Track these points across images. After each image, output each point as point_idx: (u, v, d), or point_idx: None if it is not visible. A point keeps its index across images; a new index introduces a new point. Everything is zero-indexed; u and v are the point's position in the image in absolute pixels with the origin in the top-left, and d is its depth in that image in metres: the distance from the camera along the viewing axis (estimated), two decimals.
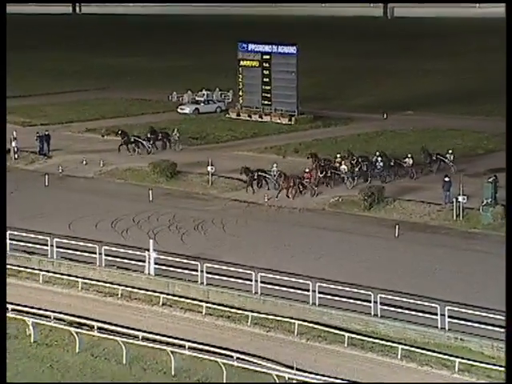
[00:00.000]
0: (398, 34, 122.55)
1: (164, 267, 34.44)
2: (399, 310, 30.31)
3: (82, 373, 27.97)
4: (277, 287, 32.29)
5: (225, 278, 33.14)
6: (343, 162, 46.13)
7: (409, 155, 47.08)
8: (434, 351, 28.23)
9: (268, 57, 62.64)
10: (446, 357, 27.91)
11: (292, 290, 31.92)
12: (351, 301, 31.05)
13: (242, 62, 63.92)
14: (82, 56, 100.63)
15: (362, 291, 31.20)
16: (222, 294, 32.76)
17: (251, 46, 63.62)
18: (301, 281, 32.18)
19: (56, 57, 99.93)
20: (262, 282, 32.37)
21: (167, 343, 28.64)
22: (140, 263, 34.81)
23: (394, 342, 28.88)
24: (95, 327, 29.88)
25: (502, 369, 26.27)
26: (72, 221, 41.13)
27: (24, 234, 37.38)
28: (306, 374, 26.85)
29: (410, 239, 38.91)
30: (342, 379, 26.77)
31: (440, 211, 41.81)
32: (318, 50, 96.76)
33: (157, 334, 29.29)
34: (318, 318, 30.77)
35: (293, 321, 30.41)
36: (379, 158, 46.50)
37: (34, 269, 35.49)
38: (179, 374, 27.80)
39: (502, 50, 45.55)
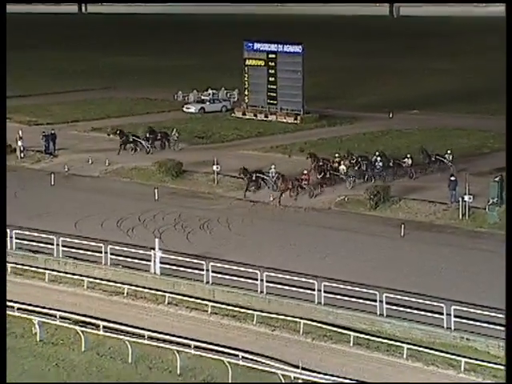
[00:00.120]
0: (403, 33, 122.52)
1: (169, 266, 34.45)
2: (405, 310, 30.27)
3: (87, 372, 28.00)
4: (282, 286, 32.27)
5: (230, 277, 33.14)
6: (342, 163, 46.09)
7: (408, 155, 47.11)
8: (439, 351, 28.19)
9: (274, 56, 62.62)
10: (452, 356, 27.87)
11: (297, 290, 31.90)
12: (357, 300, 31.03)
13: (247, 61, 63.91)
14: (87, 55, 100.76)
15: (367, 290, 31.17)
16: (227, 293, 32.76)
17: (257, 45, 63.61)
18: (306, 280, 32.17)
19: (61, 56, 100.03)
20: (267, 281, 32.36)
21: (173, 342, 28.64)
22: (145, 262, 34.83)
23: (399, 342, 28.85)
24: (101, 326, 29.90)
25: None
26: (78, 220, 41.17)
27: (30, 233, 37.43)
28: (311, 374, 26.83)
29: (416, 238, 38.87)
30: (347, 379, 26.74)
31: (446, 210, 41.77)
32: (324, 49, 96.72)
33: (162, 333, 29.29)
34: (324, 318, 30.75)
35: (298, 320, 30.39)
36: (378, 158, 46.47)
37: (39, 268, 35.52)
38: (185, 373, 27.80)
39: None
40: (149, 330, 29.42)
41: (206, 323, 31.12)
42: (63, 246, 36.14)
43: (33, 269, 35.47)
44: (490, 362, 27.44)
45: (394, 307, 30.44)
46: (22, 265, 35.75)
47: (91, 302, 32.78)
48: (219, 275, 33.34)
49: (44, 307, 31.44)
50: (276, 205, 43.89)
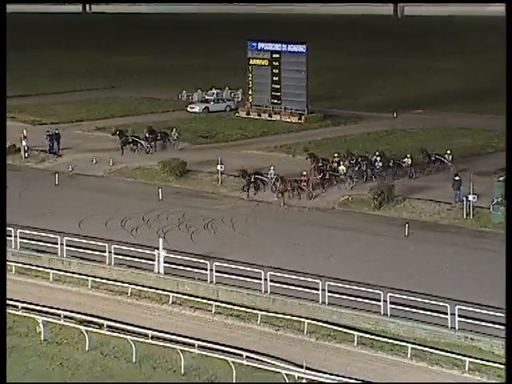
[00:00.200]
0: (407, 32, 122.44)
1: (173, 266, 34.44)
2: (409, 309, 30.24)
3: (91, 371, 28.01)
4: (286, 286, 32.25)
5: (234, 277, 33.12)
6: (341, 163, 46.05)
7: (408, 155, 47.08)
8: (444, 350, 28.16)
9: (278, 55, 62.63)
10: (456, 356, 27.83)
11: (301, 289, 31.88)
12: (361, 300, 31.01)
13: (251, 61, 63.93)
14: (91, 55, 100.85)
15: (371, 290, 31.14)
16: (231, 292, 32.75)
17: (261, 45, 63.62)
18: (310, 279, 32.15)
19: (65, 56, 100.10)
20: (271, 281, 32.35)
21: (177, 342, 28.64)
22: (150, 262, 34.83)
23: (403, 341, 28.81)
24: (105, 325, 29.91)
25: None
26: (82, 219, 41.19)
27: (34, 233, 37.45)
28: (315, 373, 26.82)
29: (420, 238, 38.83)
30: (351, 378, 26.71)
31: (450, 210, 41.73)
32: (328, 48, 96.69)
33: (166, 333, 29.29)
34: (328, 317, 30.73)
35: (302, 319, 30.38)
36: (378, 158, 46.42)
37: (44, 267, 35.54)
38: (189, 372, 27.80)
39: None
40: (153, 330, 29.42)
41: (210, 323, 31.12)
42: (67, 245, 36.16)
43: (37, 268, 35.50)
44: (494, 362, 27.39)
45: (399, 307, 30.41)
46: (27, 264, 35.76)
47: (95, 302, 32.79)
48: (223, 275, 33.33)
49: (48, 306, 31.44)
50: (280, 204, 43.87)
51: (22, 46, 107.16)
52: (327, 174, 45.24)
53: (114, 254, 35.23)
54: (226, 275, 33.31)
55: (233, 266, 33.75)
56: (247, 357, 27.62)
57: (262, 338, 29.95)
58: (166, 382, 27.58)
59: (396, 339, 29.07)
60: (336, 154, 47.43)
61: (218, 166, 46.98)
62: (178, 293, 32.93)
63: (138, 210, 42.63)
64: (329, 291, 31.32)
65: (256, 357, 27.64)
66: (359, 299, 31.03)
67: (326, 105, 65.73)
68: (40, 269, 35.41)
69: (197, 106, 66.78)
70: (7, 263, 35.69)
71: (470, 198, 40.51)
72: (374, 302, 30.66)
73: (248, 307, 31.59)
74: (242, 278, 32.99)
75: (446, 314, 29.51)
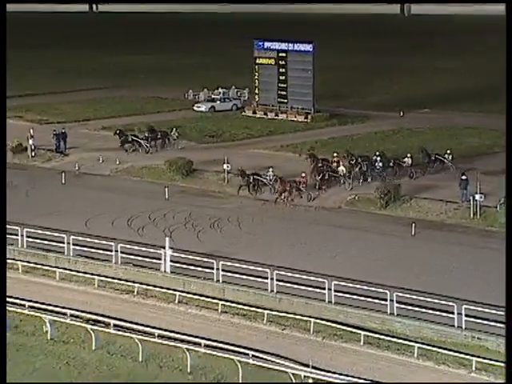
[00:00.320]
0: (414, 31, 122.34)
1: (180, 265, 34.44)
2: (416, 309, 30.20)
3: (98, 370, 28.02)
4: (293, 285, 32.23)
5: (240, 276, 33.12)
6: (341, 163, 45.95)
7: (408, 155, 46.99)
8: (450, 350, 28.11)
9: (284, 54, 62.59)
10: (463, 356, 27.78)
11: (308, 288, 31.86)
12: (367, 299, 30.97)
13: (258, 60, 63.90)
14: (97, 54, 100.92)
15: (378, 289, 31.10)
16: (237, 291, 32.75)
17: (267, 44, 63.59)
18: (317, 279, 32.12)
19: (71, 55, 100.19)
20: (277, 280, 32.33)
21: (183, 341, 28.65)
22: (156, 261, 34.84)
23: (410, 341, 28.78)
24: (111, 324, 29.93)
25: None
26: (88, 218, 41.22)
27: (41, 232, 37.49)
28: (321, 373, 26.79)
29: (427, 237, 38.77)
30: (358, 378, 26.67)
31: (457, 209, 41.66)
32: (334, 48, 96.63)
33: (173, 332, 29.30)
34: (334, 317, 30.70)
35: (309, 319, 30.36)
36: (378, 158, 46.33)
37: (50, 266, 35.58)
38: (195, 371, 27.79)
39: None
40: (159, 329, 29.43)
41: (217, 322, 31.12)
42: (74, 244, 36.18)
43: (43, 267, 35.53)
44: (501, 362, 27.31)
45: (405, 306, 30.37)
46: (33, 263, 35.80)
47: (102, 301, 32.81)
48: (229, 274, 33.33)
49: (55, 305, 31.47)
50: (286, 204, 43.83)
51: (29, 45, 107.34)
52: (326, 174, 45.16)
53: (121, 253, 35.24)
54: (232, 274, 33.31)
55: (239, 265, 33.74)
56: (253, 356, 27.60)
57: (269, 337, 29.94)
58: (172, 382, 27.57)
59: (403, 339, 29.02)
60: (335, 154, 47.38)
61: (225, 165, 46.96)
62: (184, 292, 32.93)
63: (145, 209, 42.65)
64: (335, 290, 31.29)
65: (262, 356, 27.62)
66: (366, 298, 30.99)
67: (332, 104, 65.65)
68: (47, 268, 35.44)
69: (203, 105, 66.77)
70: (14, 262, 35.80)
71: (477, 197, 40.44)
72: (380, 302, 30.62)
73: (254, 306, 31.57)
74: (248, 277, 32.98)
75: (453, 313, 29.46)
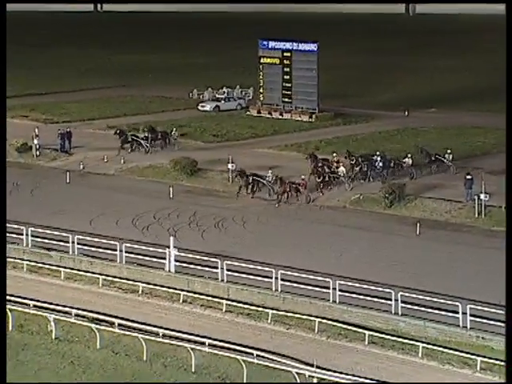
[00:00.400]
0: (419, 30, 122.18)
1: (184, 264, 34.44)
2: (420, 308, 30.17)
3: (102, 369, 28.04)
4: (297, 285, 32.22)
5: (245, 276, 33.11)
6: (341, 164, 45.88)
7: (408, 155, 46.92)
8: (455, 350, 28.08)
9: (289, 54, 62.58)
10: (467, 355, 27.74)
11: (312, 288, 31.84)
12: (372, 299, 30.95)
13: (262, 60, 63.90)
14: (102, 53, 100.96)
15: (382, 289, 31.08)
16: (242, 291, 32.74)
17: (272, 44, 63.58)
18: (321, 278, 32.10)
19: (76, 54, 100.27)
20: (282, 280, 32.33)
21: (187, 340, 28.65)
22: (160, 260, 34.85)
23: (414, 341, 28.74)
24: (116, 324, 29.95)
25: None
26: (93, 218, 41.25)
27: (46, 231, 37.52)
28: (326, 372, 26.78)
29: (432, 237, 38.74)
30: (362, 377, 26.66)
31: (462, 209, 41.61)
32: (339, 47, 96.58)
33: (177, 331, 29.31)
34: (339, 316, 30.69)
35: (313, 318, 30.34)
36: (378, 158, 46.26)
37: (55, 265, 35.61)
38: (199, 370, 27.80)
39: None
40: (163, 328, 29.44)
41: (221, 321, 31.12)
42: (78, 243, 36.21)
43: (48, 266, 35.56)
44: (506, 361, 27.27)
45: (409, 306, 30.34)
46: (38, 262, 35.84)
47: (106, 300, 32.83)
48: (234, 273, 33.32)
49: (59, 305, 31.52)
50: (290, 203, 43.81)
51: (33, 44, 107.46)
52: (326, 176, 45.08)
53: (125, 252, 35.26)
54: (236, 274, 33.31)
55: (243, 265, 33.73)
56: (258, 355, 27.60)
57: (273, 336, 29.94)
58: (176, 382, 27.58)
59: (407, 338, 28.99)
60: (334, 154, 47.32)
61: (229, 165, 46.95)
62: (188, 291, 32.95)
63: (149, 209, 42.66)
64: (340, 290, 31.28)
65: (267, 355, 27.62)
66: (370, 298, 30.97)
67: (337, 103, 65.61)
68: (51, 267, 35.47)
69: (208, 105, 66.78)
70: (19, 261, 35.85)
71: (482, 196, 40.38)
72: (384, 301, 30.60)
73: (259, 306, 31.57)
74: (252, 277, 32.98)
75: (458, 313, 29.43)
